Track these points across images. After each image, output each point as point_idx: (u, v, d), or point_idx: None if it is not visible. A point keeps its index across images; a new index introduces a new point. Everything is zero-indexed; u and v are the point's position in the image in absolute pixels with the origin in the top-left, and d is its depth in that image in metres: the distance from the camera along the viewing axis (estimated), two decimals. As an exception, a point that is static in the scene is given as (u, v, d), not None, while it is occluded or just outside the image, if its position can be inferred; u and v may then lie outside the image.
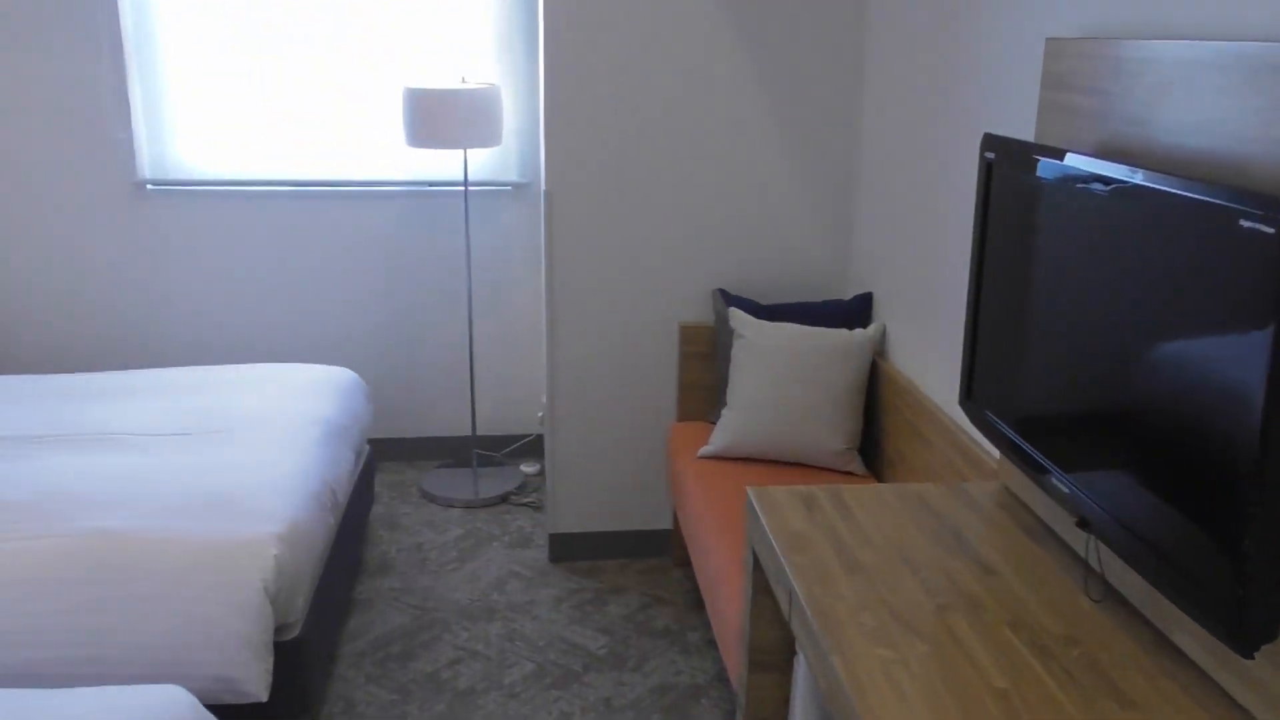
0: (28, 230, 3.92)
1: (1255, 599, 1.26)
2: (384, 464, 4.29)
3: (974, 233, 1.99)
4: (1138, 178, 1.48)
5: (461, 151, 3.88)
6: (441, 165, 4.02)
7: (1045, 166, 1.73)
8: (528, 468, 4.21)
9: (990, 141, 1.92)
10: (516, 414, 4.31)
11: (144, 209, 3.94)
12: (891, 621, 1.64)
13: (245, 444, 2.86)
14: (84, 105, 3.81)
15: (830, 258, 3.38)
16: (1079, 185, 1.63)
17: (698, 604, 3.29)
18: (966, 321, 2.05)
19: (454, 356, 4.22)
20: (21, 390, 3.29)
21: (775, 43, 3.20)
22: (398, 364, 4.21)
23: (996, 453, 2.32)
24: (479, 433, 4.32)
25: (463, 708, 2.77)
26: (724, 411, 3.09)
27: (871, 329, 3.03)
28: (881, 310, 3.10)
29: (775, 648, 2.16)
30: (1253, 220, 1.23)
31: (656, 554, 3.58)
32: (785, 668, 2.18)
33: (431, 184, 4.02)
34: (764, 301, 3.38)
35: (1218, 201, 1.30)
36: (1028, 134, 2.18)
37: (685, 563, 3.52)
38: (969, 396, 2.07)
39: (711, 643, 3.09)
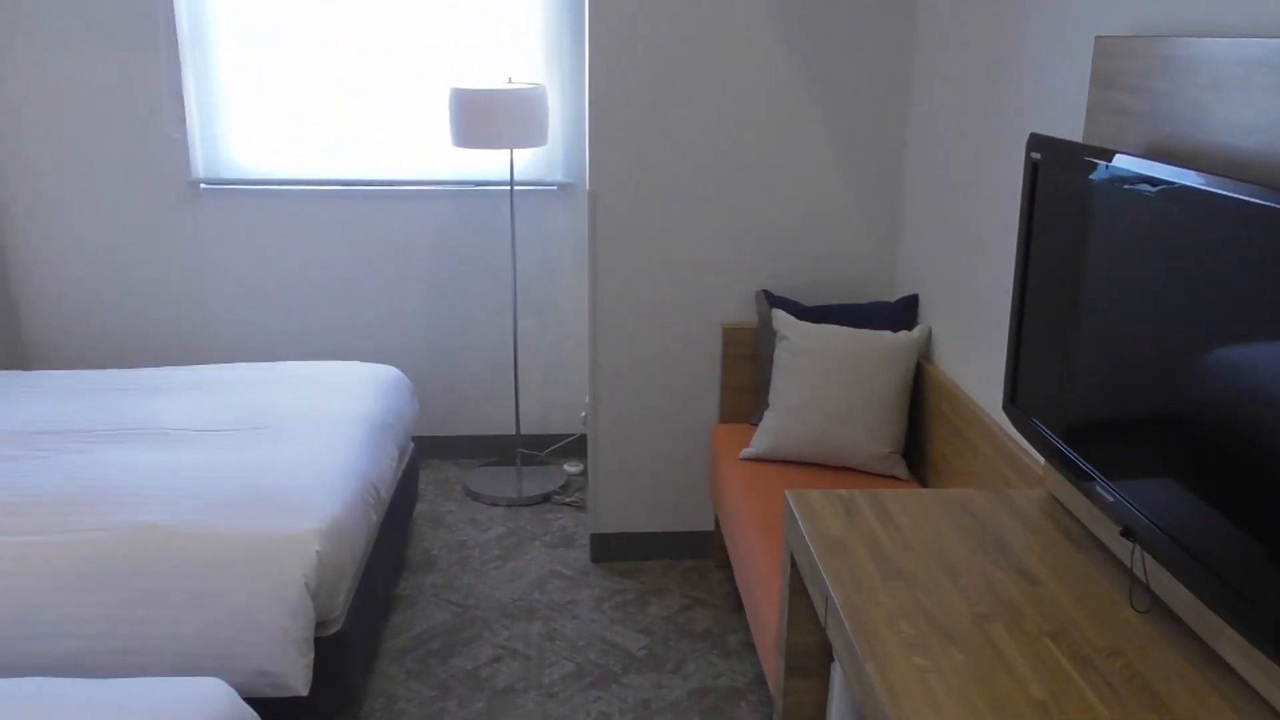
0: (84, 228, 4.01)
1: (1304, 614, 1.22)
2: (429, 461, 4.33)
3: (1019, 235, 1.95)
4: (1188, 180, 1.44)
5: (508, 151, 3.89)
6: (488, 165, 4.04)
7: (1093, 168, 1.70)
8: (571, 467, 4.21)
9: (1036, 141, 1.89)
10: (560, 413, 4.33)
11: (197, 208, 4.01)
12: (929, 629, 1.62)
13: (290, 440, 2.90)
14: (141, 106, 3.89)
15: (876, 259, 3.34)
16: (1127, 186, 1.59)
17: (738, 606, 3.27)
18: (1011, 325, 2.01)
19: (499, 355, 4.25)
20: (75, 385, 3.36)
21: (821, 42, 3.17)
22: (443, 362, 4.24)
23: (1042, 459, 2.27)
24: (523, 431, 4.33)
25: (501, 706, 2.78)
26: (766, 414, 3.07)
27: (917, 331, 2.99)
28: (927, 312, 3.06)
29: (813, 653, 2.14)
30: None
31: (698, 555, 3.56)
32: (823, 673, 2.16)
33: (478, 184, 4.04)
34: (808, 303, 3.36)
35: (1271, 204, 1.26)
36: (1076, 134, 2.14)
37: (726, 565, 3.51)
38: (1013, 401, 2.03)
39: (751, 646, 3.07)
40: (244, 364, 3.56)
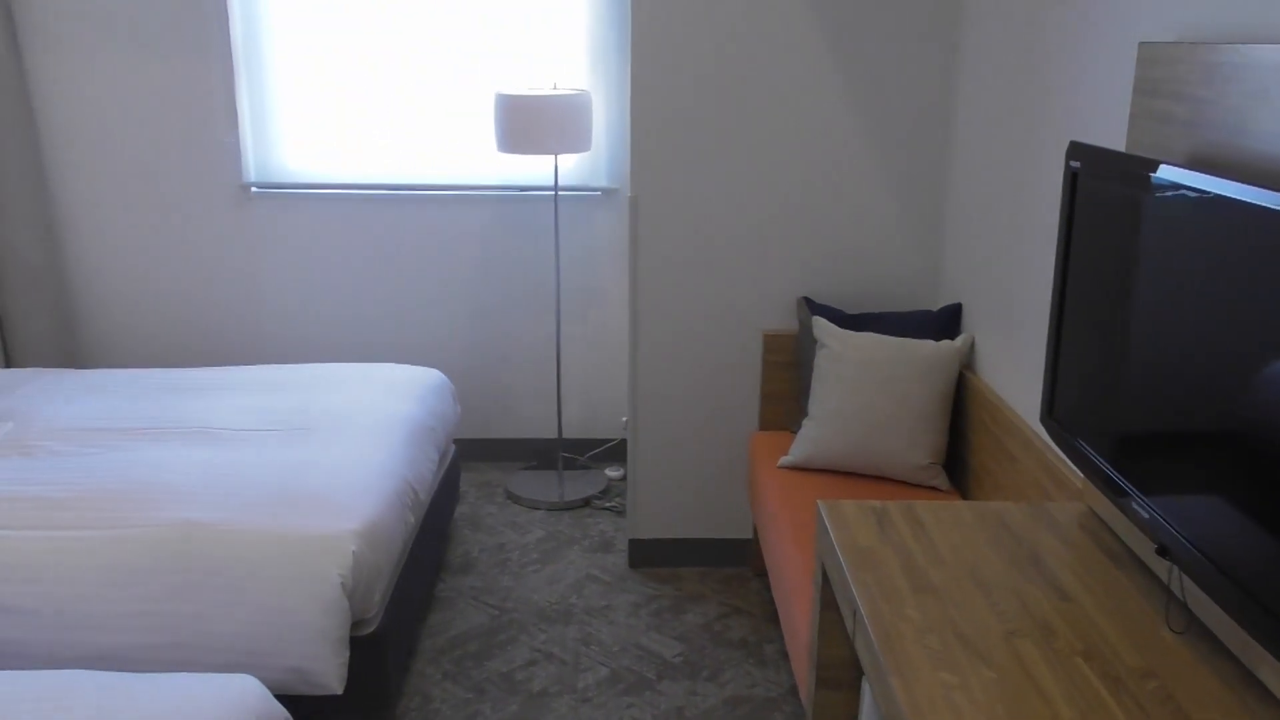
0: (139, 229, 4.10)
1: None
2: (470, 464, 4.36)
3: (1058, 245, 1.92)
4: (1233, 190, 1.40)
5: (552, 157, 3.91)
6: (532, 170, 4.06)
7: (1134, 177, 1.66)
8: (612, 472, 4.22)
9: (1076, 150, 1.85)
10: (602, 418, 4.33)
11: (248, 211, 4.08)
12: (957, 645, 1.59)
13: (331, 441, 2.94)
14: (194, 111, 3.97)
15: (918, 267, 3.31)
16: (1170, 196, 1.56)
17: (775, 615, 3.25)
18: (1049, 336, 1.98)
19: (541, 359, 4.26)
20: (125, 384, 3.43)
21: (864, 49, 3.14)
22: (487, 365, 4.27)
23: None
24: (565, 436, 4.35)
25: (535, 709, 2.78)
26: (805, 422, 3.05)
27: (959, 341, 2.95)
28: (970, 322, 3.02)
29: (844, 665, 2.12)
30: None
31: (736, 563, 3.55)
32: (854, 686, 2.13)
33: (522, 189, 4.06)
34: (849, 311, 3.33)
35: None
36: (1119, 142, 2.10)
37: (764, 573, 3.49)
38: (1050, 413, 1.99)
39: (787, 656, 3.04)
40: (289, 365, 3.61)
